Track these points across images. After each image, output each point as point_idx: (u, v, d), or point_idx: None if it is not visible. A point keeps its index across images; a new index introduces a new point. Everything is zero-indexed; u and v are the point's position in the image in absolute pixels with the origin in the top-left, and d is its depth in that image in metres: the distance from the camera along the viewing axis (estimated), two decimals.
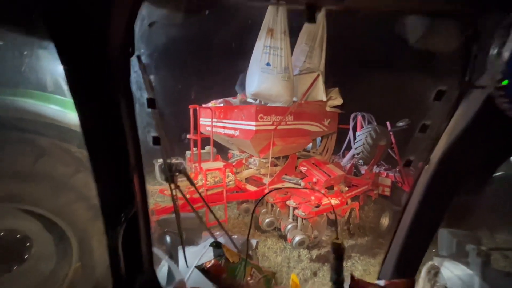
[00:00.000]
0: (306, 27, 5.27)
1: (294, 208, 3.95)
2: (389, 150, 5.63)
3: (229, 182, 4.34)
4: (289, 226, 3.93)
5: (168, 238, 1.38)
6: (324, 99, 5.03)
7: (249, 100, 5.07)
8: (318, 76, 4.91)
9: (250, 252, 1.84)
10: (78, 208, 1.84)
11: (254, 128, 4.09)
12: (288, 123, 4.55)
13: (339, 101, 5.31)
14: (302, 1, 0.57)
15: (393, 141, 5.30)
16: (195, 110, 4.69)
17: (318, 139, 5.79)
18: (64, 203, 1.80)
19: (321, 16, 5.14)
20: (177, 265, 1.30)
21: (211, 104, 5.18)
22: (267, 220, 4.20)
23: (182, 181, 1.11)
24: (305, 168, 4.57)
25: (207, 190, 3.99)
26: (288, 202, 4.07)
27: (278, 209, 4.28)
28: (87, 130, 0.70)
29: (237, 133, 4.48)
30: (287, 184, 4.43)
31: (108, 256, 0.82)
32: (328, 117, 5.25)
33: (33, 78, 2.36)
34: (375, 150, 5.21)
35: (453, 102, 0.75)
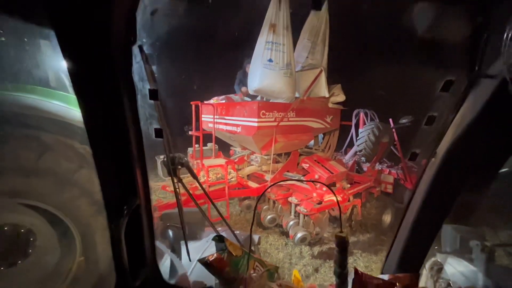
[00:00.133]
0: (309, 22, 5.23)
1: (296, 205, 3.95)
2: (391, 147, 5.60)
3: (231, 178, 4.34)
4: (291, 223, 3.94)
5: (170, 232, 1.39)
6: (327, 95, 4.99)
7: (245, 98, 5.06)
8: (320, 72, 4.87)
9: (253, 248, 1.84)
10: (81, 203, 1.85)
11: (256, 124, 4.07)
12: (290, 119, 4.53)
13: (341, 97, 5.27)
14: None
15: (396, 138, 5.27)
16: (197, 107, 4.68)
17: (320, 136, 5.77)
18: (68, 198, 1.81)
19: (323, 12, 5.08)
20: (180, 259, 1.30)
21: (213, 100, 5.17)
22: (269, 217, 4.20)
23: (184, 178, 1.11)
24: (307, 165, 4.56)
25: (209, 186, 4.00)
26: (290, 199, 4.07)
27: (280, 205, 4.28)
28: (88, 121, 0.70)
29: (239, 129, 4.47)
30: (289, 181, 4.42)
31: (111, 250, 0.82)
32: (331, 113, 5.22)
33: (36, 74, 2.36)
34: (378, 147, 5.18)
35: (461, 93, 0.73)
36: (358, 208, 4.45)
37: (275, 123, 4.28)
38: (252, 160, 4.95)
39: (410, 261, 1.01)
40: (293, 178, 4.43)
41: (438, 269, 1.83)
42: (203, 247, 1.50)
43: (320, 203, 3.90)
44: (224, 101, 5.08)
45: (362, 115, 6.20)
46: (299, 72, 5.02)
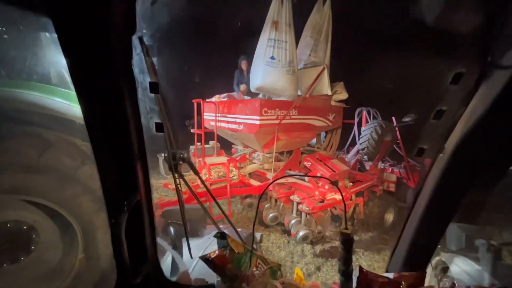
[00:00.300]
0: (311, 19, 5.19)
1: (298, 203, 3.93)
2: (394, 146, 5.56)
3: (232, 177, 4.33)
4: (293, 221, 3.92)
5: (172, 230, 1.37)
6: (329, 93, 4.95)
7: (245, 97, 5.04)
8: (323, 69, 4.83)
9: (254, 246, 1.83)
10: (83, 200, 1.86)
11: (258, 122, 4.05)
12: (293, 117, 4.50)
13: (344, 95, 5.23)
14: None
15: (399, 136, 5.23)
16: (198, 105, 4.67)
17: (323, 134, 5.74)
18: (70, 195, 1.81)
19: (326, 8, 5.04)
20: (181, 256, 1.29)
21: (215, 98, 5.16)
22: (270, 215, 4.18)
23: (186, 175, 1.10)
24: (309, 163, 4.53)
25: (210, 184, 3.99)
26: (292, 197, 4.05)
27: (281, 204, 4.27)
28: (87, 115, 0.68)
29: (241, 127, 4.45)
30: (291, 179, 4.40)
31: (112, 246, 0.81)
32: (333, 111, 5.19)
33: (37, 71, 2.36)
34: (381, 146, 5.15)
35: (472, 85, 0.70)
36: (360, 206, 4.42)
37: (277, 121, 4.25)
38: (254, 158, 4.93)
39: (416, 259, 0.98)
40: (298, 174, 4.41)
41: (443, 268, 1.81)
42: (205, 245, 1.49)
43: (322, 201, 3.87)
44: (226, 99, 5.07)
45: (364, 113, 6.16)
46: (301, 69, 4.99)
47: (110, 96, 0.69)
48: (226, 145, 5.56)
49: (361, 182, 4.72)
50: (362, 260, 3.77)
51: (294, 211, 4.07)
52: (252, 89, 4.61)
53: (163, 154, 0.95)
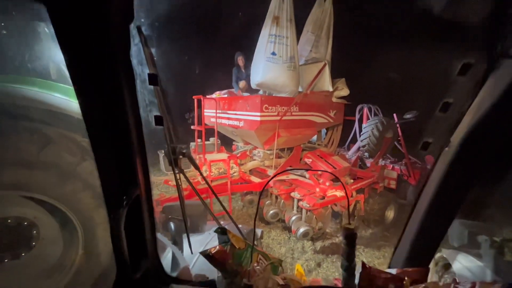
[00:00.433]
0: (312, 15, 5.13)
1: (299, 200, 3.93)
2: (395, 143, 5.53)
3: (233, 173, 4.33)
4: (294, 218, 3.92)
5: (172, 225, 1.37)
6: (331, 89, 4.92)
7: (244, 94, 5.01)
8: (324, 65, 4.79)
9: (255, 242, 1.83)
10: (84, 196, 1.85)
11: (259, 118, 4.03)
12: (294, 114, 4.48)
13: (345, 91, 5.20)
14: None
15: (400, 133, 5.21)
16: (199, 101, 4.65)
17: (323, 131, 5.71)
18: (70, 191, 1.81)
19: (328, 4, 4.98)
20: (182, 252, 1.28)
21: (215, 95, 5.13)
22: (271, 212, 4.19)
23: (187, 172, 1.09)
24: (310, 160, 4.52)
25: (211, 181, 3.99)
26: (292, 194, 4.05)
27: (282, 201, 4.27)
28: (85, 107, 0.66)
29: (241, 124, 4.43)
30: (291, 176, 4.39)
31: (111, 241, 0.80)
32: (334, 108, 5.16)
33: (37, 66, 2.34)
34: (382, 143, 5.12)
35: (480, 76, 0.68)
36: (361, 203, 4.42)
37: (278, 118, 4.23)
38: (255, 155, 4.92)
39: (419, 255, 0.97)
40: (296, 174, 4.40)
41: (444, 264, 1.80)
42: (206, 240, 1.48)
43: (323, 198, 3.87)
44: (226, 96, 5.04)
45: (365, 110, 6.12)
46: (302, 65, 4.95)
47: (108, 88, 0.67)
48: (227, 142, 5.55)
49: (361, 179, 4.71)
50: (363, 256, 3.77)
51: (295, 208, 4.07)
52: (253, 86, 4.58)
53: (163, 151, 0.93)
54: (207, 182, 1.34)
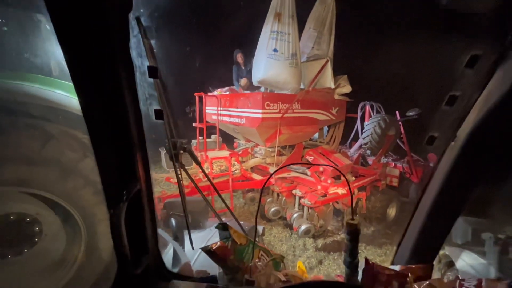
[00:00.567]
0: (315, 11, 5.08)
1: (300, 197, 3.92)
2: (397, 140, 5.50)
3: (234, 171, 4.32)
4: (295, 215, 3.92)
5: (173, 221, 1.36)
6: (333, 86, 4.89)
7: (246, 91, 4.98)
8: (326, 62, 4.75)
9: (257, 238, 1.82)
10: (85, 192, 1.86)
11: (260, 116, 4.01)
12: (295, 111, 4.45)
13: (347, 88, 5.16)
14: None
15: (402, 131, 5.17)
16: (200, 98, 4.63)
17: (325, 128, 5.68)
18: (72, 187, 1.81)
19: (330, 0, 4.93)
20: (183, 248, 1.28)
21: (217, 92, 5.11)
22: (273, 209, 4.18)
23: (188, 169, 1.08)
24: (312, 158, 4.50)
25: (213, 178, 3.99)
26: (294, 191, 4.04)
27: (284, 198, 4.26)
28: (84, 101, 0.65)
29: (243, 121, 4.42)
30: (293, 173, 4.38)
31: (111, 236, 0.79)
32: (336, 105, 5.12)
33: (38, 63, 2.34)
34: (384, 140, 5.09)
35: (488, 68, 0.66)
36: (362, 201, 4.41)
37: (280, 115, 4.21)
38: (256, 152, 4.91)
39: (423, 252, 0.96)
40: (297, 171, 4.38)
41: (447, 262, 1.78)
42: (207, 237, 1.48)
43: (324, 195, 3.86)
44: (228, 93, 5.02)
45: (368, 107, 6.08)
46: (304, 62, 4.91)
47: (107, 81, 0.66)
48: (228, 139, 5.54)
49: (363, 176, 4.69)
50: (364, 254, 3.77)
51: (296, 205, 4.07)
52: (254, 83, 4.55)
53: (165, 148, 0.92)
54: (208, 179, 1.34)
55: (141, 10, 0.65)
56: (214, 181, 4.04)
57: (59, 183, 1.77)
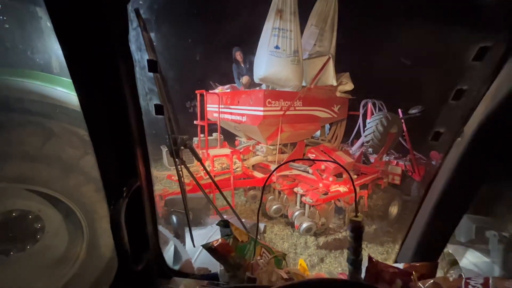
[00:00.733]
0: (316, 8, 5.03)
1: (302, 195, 3.91)
2: (400, 138, 5.46)
3: (236, 168, 4.32)
4: (297, 213, 3.91)
5: (174, 218, 1.35)
6: (335, 84, 4.85)
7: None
8: (328, 59, 4.71)
9: (259, 236, 1.82)
10: (87, 189, 1.86)
11: (262, 113, 4.00)
12: (297, 108, 4.43)
13: (350, 86, 5.12)
14: None
15: (405, 129, 5.14)
16: (201, 96, 4.62)
17: (327, 126, 5.65)
18: (74, 184, 1.82)
19: None
20: (184, 245, 1.27)
21: (218, 90, 5.10)
22: (274, 207, 4.18)
23: (190, 167, 1.07)
24: (314, 155, 4.49)
25: (214, 176, 3.99)
26: (295, 189, 4.03)
27: (285, 196, 4.26)
28: (82, 96, 0.64)
29: (244, 118, 4.40)
30: (294, 171, 4.37)
31: (111, 232, 0.78)
32: (338, 103, 5.09)
33: (39, 60, 2.34)
34: (386, 138, 5.06)
35: (497, 61, 0.64)
36: (364, 199, 4.39)
37: (281, 112, 4.19)
38: (258, 150, 4.90)
39: (428, 250, 0.94)
40: (299, 169, 4.37)
41: (450, 260, 1.77)
42: (209, 234, 1.47)
43: (326, 193, 3.85)
44: (229, 90, 5.01)
45: (370, 105, 6.04)
46: (306, 60, 4.88)
47: (106, 75, 0.65)
48: (229, 137, 5.53)
49: (365, 174, 4.67)
50: (366, 252, 3.76)
51: (298, 203, 4.06)
52: (256, 80, 4.53)
53: (166, 146, 0.91)
54: (210, 176, 1.33)
55: (140, 2, 0.64)
56: (216, 179, 4.04)
57: (60, 180, 1.78)
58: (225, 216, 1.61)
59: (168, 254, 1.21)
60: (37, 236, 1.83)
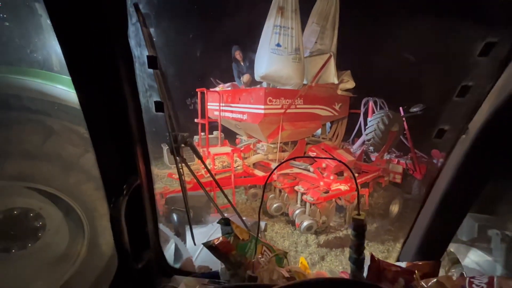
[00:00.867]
0: (318, 5, 4.99)
1: (303, 194, 3.91)
2: (401, 136, 5.44)
3: (237, 167, 4.31)
4: (297, 211, 3.91)
5: (175, 216, 1.35)
6: (336, 81, 4.83)
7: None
8: (329, 57, 4.69)
9: (259, 234, 1.81)
10: (87, 187, 1.86)
11: (262, 111, 3.98)
12: (298, 106, 4.41)
13: (351, 84, 5.09)
14: None
15: (406, 127, 5.11)
16: (202, 94, 4.61)
17: (328, 124, 5.64)
18: (74, 182, 1.82)
19: None
20: (185, 243, 1.27)
21: (219, 88, 5.08)
22: (275, 205, 4.18)
23: (191, 165, 1.06)
24: (315, 154, 4.48)
25: (215, 174, 3.98)
26: (296, 188, 4.03)
27: (286, 194, 4.25)
28: (81, 93, 0.63)
29: (245, 117, 4.39)
30: (295, 169, 4.36)
31: (111, 230, 0.78)
32: (339, 101, 5.07)
33: (40, 57, 2.33)
34: (387, 136, 5.04)
35: (502, 57, 0.62)
36: (365, 197, 4.38)
37: (282, 111, 4.17)
38: (258, 148, 4.90)
39: (430, 249, 0.93)
40: (300, 168, 4.36)
41: (451, 259, 1.76)
42: (210, 232, 1.47)
43: (327, 192, 3.84)
44: (230, 89, 4.99)
45: (371, 103, 6.01)
46: (307, 57, 4.85)
47: (105, 72, 0.64)
48: (230, 135, 5.52)
49: (366, 173, 4.66)
50: (366, 250, 3.74)
51: (299, 202, 4.05)
52: (257, 78, 4.51)
53: (166, 144, 0.90)
54: (211, 174, 1.32)
55: None
56: (216, 177, 4.04)
57: (61, 178, 1.78)
58: (226, 214, 1.60)
59: (169, 252, 1.21)
60: (38, 234, 1.83)
